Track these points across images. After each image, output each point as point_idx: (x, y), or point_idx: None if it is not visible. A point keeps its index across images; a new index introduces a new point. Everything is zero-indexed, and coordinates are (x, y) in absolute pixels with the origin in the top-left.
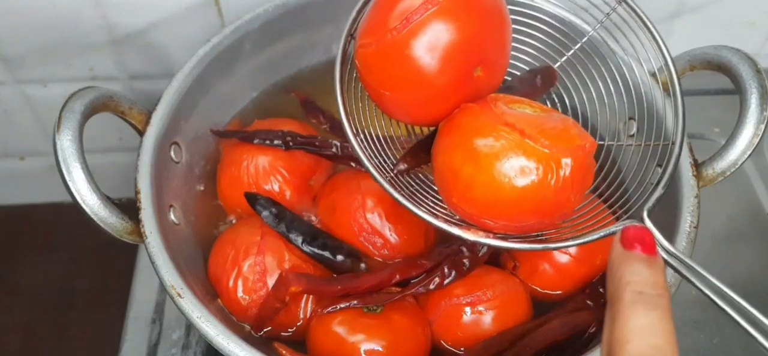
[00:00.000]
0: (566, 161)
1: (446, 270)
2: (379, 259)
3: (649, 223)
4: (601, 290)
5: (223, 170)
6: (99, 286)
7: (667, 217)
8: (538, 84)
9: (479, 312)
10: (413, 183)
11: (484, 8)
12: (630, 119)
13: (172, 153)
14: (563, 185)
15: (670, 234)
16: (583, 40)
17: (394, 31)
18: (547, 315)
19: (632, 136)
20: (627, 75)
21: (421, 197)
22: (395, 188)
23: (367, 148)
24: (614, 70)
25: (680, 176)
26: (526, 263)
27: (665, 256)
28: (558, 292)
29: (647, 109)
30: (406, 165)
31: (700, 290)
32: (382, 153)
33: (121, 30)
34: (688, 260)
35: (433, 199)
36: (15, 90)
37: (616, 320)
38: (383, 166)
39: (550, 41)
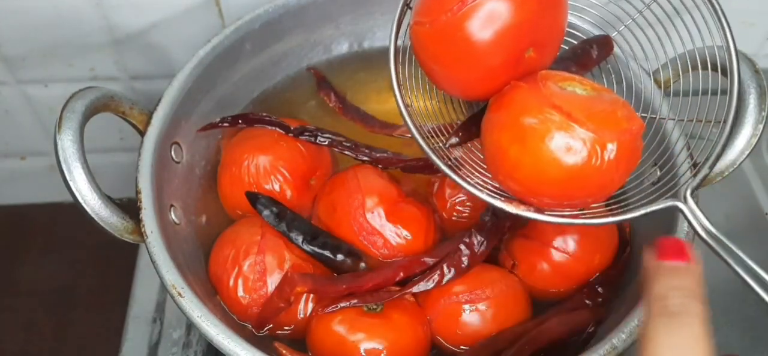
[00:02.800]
0: (611, 146)
1: (445, 268)
2: (380, 258)
3: (691, 203)
4: (599, 289)
5: (223, 169)
6: (99, 286)
7: (665, 216)
8: (594, 55)
9: (478, 310)
10: (454, 158)
11: None
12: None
13: (172, 153)
14: (608, 167)
15: (669, 234)
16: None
17: (449, 12)
18: (546, 314)
19: None
20: (632, 78)
21: (463, 172)
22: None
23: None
24: (621, 73)
25: (679, 175)
26: (524, 261)
27: (706, 237)
28: (556, 291)
29: (644, 110)
30: (457, 139)
31: (739, 274)
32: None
33: (122, 30)
34: (728, 243)
35: (479, 171)
36: (16, 90)
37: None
38: (430, 138)
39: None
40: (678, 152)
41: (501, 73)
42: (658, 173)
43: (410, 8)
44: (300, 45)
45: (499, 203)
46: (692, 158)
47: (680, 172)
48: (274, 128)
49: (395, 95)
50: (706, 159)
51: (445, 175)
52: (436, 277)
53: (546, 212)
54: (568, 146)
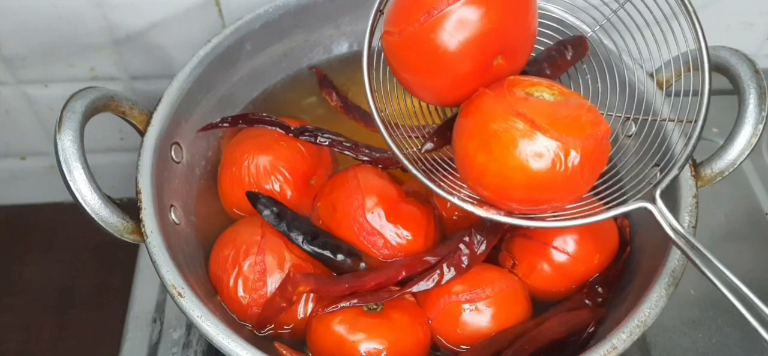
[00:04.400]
0: (575, 152)
1: (445, 268)
2: (380, 258)
3: (660, 204)
4: (599, 289)
5: (223, 169)
6: (99, 286)
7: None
8: (569, 57)
9: (478, 310)
10: (430, 161)
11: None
12: (627, 119)
13: (172, 153)
14: (572, 173)
15: (666, 236)
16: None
17: (416, 23)
18: (546, 314)
19: (631, 136)
20: (625, 76)
21: (439, 175)
22: (413, 165)
23: (390, 127)
24: (615, 71)
25: (679, 176)
26: (524, 261)
27: (674, 237)
28: (556, 291)
29: (645, 110)
30: (432, 144)
31: (705, 274)
32: (400, 128)
33: (122, 30)
34: (695, 243)
35: (452, 177)
36: (16, 90)
37: None
38: (403, 144)
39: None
40: (651, 152)
41: (470, 81)
42: (659, 175)
43: (383, 13)
44: (300, 45)
45: (469, 207)
46: (693, 162)
47: (650, 173)
48: (274, 128)
49: (368, 101)
50: (675, 162)
51: (418, 179)
52: (435, 277)
53: (516, 216)
54: (532, 154)
